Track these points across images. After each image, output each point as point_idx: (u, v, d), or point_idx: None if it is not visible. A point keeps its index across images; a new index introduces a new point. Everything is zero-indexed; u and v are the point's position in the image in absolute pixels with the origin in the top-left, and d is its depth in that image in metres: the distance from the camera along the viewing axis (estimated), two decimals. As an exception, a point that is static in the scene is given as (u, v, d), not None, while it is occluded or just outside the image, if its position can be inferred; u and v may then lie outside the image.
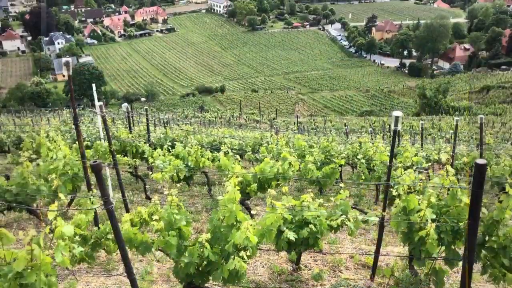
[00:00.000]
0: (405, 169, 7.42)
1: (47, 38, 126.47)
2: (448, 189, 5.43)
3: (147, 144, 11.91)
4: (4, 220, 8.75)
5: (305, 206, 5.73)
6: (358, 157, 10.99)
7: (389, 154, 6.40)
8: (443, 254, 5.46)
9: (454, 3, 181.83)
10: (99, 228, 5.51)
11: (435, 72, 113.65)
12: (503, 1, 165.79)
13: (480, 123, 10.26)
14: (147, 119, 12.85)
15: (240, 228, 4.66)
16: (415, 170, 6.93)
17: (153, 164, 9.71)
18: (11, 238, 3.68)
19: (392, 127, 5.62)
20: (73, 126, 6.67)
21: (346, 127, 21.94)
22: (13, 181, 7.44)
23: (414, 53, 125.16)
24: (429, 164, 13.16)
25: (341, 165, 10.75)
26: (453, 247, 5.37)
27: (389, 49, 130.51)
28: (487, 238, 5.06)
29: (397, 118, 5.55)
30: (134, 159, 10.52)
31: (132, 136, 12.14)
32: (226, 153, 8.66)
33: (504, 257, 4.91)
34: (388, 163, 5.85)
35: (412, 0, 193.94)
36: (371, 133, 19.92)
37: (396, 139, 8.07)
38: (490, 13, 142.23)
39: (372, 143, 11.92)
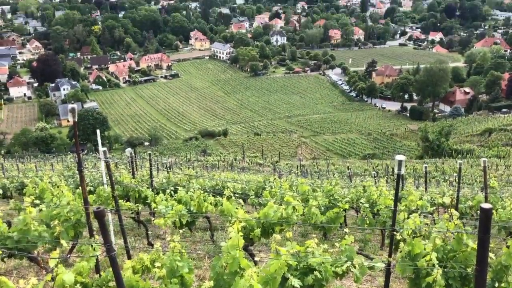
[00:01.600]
0: (409, 214, 7.35)
1: (53, 84, 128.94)
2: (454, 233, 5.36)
3: (150, 189, 11.89)
4: (4, 268, 8.61)
5: (309, 252, 5.64)
6: (362, 201, 10.91)
7: (393, 198, 6.36)
8: (452, 302, 5.31)
9: (452, 48, 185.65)
10: (100, 275, 5.42)
11: (436, 115, 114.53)
12: (500, 46, 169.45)
13: (483, 166, 10.23)
14: (150, 164, 12.87)
15: (244, 275, 4.58)
16: (420, 215, 6.87)
17: (155, 209, 9.66)
18: (11, 286, 3.62)
19: (396, 171, 5.62)
20: (77, 172, 6.69)
21: (349, 171, 21.87)
22: (15, 228, 7.38)
23: (415, 97, 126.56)
24: (434, 208, 13.04)
25: (345, 210, 10.65)
26: (462, 294, 5.24)
27: (389, 93, 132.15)
28: (496, 284, 4.95)
29: (400, 162, 5.56)
30: (136, 204, 10.47)
31: (135, 181, 12.13)
32: (229, 198, 8.62)
33: (515, 304, 4.79)
34: (392, 207, 5.81)
35: (411, 46, 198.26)
36: (374, 177, 19.85)
37: (400, 183, 8.04)
38: (488, 57, 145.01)
39: (376, 187, 11.87)
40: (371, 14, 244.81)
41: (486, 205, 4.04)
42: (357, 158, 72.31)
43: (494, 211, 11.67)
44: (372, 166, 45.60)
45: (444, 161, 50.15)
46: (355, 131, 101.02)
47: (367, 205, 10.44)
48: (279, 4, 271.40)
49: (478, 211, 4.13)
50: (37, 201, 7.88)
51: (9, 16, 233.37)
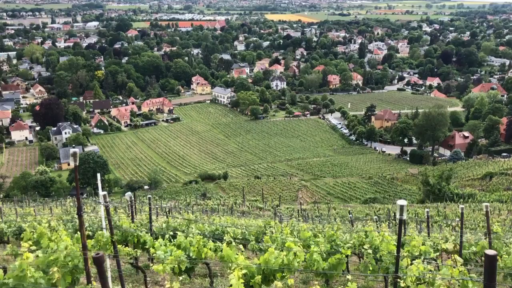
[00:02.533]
0: (413, 259, 7.23)
1: (55, 128, 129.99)
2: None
3: (149, 234, 11.74)
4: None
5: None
6: (364, 246, 10.75)
7: (396, 243, 6.28)
8: None
9: (450, 93, 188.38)
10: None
11: (436, 159, 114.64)
12: (497, 91, 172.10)
13: (486, 211, 10.16)
14: (150, 208, 12.78)
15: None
16: (423, 261, 6.76)
17: (154, 255, 9.51)
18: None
19: (398, 216, 5.58)
20: (76, 216, 6.64)
21: (350, 215, 21.68)
22: (10, 274, 7.24)
23: (415, 141, 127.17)
24: (437, 253, 12.82)
25: (347, 255, 10.48)
26: None
27: (389, 136, 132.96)
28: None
29: (402, 207, 5.53)
30: (135, 250, 10.31)
31: (134, 226, 12.01)
32: (229, 243, 8.50)
33: None
34: (395, 253, 5.72)
35: (409, 91, 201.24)
36: (376, 221, 19.65)
37: (402, 228, 7.95)
38: (485, 102, 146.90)
39: (378, 232, 11.72)
40: (369, 60, 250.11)
41: (491, 252, 3.99)
42: (358, 202, 71.76)
43: (498, 257, 11.48)
44: (374, 210, 45.21)
45: (445, 205, 49.76)
46: (356, 174, 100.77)
47: (369, 251, 10.28)
48: (279, 51, 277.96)
49: (483, 257, 4.06)
50: (34, 247, 7.78)
51: (14, 61, 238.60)
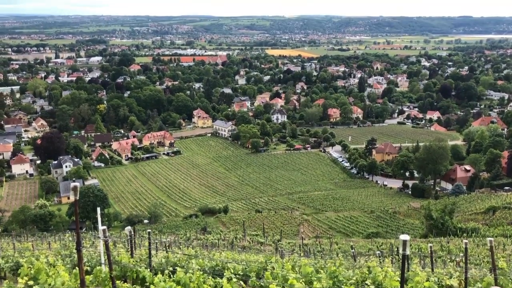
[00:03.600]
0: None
1: (55, 162, 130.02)
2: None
3: (148, 269, 11.55)
4: None
5: None
6: (367, 282, 10.55)
7: (399, 279, 6.16)
8: None
9: (450, 127, 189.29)
10: None
11: (438, 193, 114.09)
12: (497, 124, 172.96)
13: (490, 246, 10.02)
14: (149, 243, 12.61)
15: None
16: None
17: (153, 291, 9.31)
18: None
19: (401, 251, 5.49)
20: (75, 251, 6.55)
21: (353, 250, 21.38)
22: (6, 311, 7.09)
23: (416, 174, 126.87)
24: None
25: (350, 292, 10.27)
26: None
27: (390, 170, 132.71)
28: None
29: (405, 242, 5.45)
30: (134, 286, 10.11)
31: (133, 261, 11.82)
32: (229, 280, 8.35)
33: None
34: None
35: (409, 124, 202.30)
36: (379, 256, 19.36)
37: (406, 263, 7.81)
38: (486, 135, 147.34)
39: (381, 268, 11.53)
40: (368, 94, 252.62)
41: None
42: (360, 237, 70.96)
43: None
44: (376, 245, 44.63)
45: (449, 240, 49.11)
46: (358, 208, 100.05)
47: (372, 287, 10.09)
48: (279, 85, 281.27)
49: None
50: (32, 282, 7.65)
51: (18, 95, 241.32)
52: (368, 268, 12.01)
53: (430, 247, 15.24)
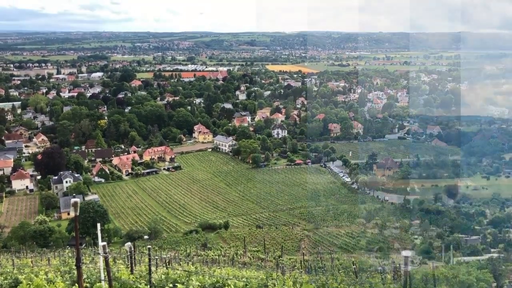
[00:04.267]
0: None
1: (56, 177, 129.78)
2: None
3: (148, 286, 11.46)
4: None
5: None
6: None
7: (402, 297, 6.11)
8: None
9: (450, 142, 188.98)
10: None
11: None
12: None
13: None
14: (149, 259, 12.53)
15: None
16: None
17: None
18: None
19: (403, 268, 5.46)
20: (74, 267, 6.51)
21: (354, 266, 21.21)
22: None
23: (417, 189, 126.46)
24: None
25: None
26: None
27: (391, 185, 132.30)
28: None
29: (406, 258, 5.42)
30: (133, 303, 10.02)
31: (133, 277, 11.73)
32: (230, 296, 8.28)
33: None
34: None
35: (410, 139, 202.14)
36: (381, 273, 19.21)
37: (408, 280, 7.74)
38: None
39: (383, 284, 11.44)
40: (369, 109, 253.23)
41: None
42: (362, 253, 70.50)
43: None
44: (378, 261, 44.29)
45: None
46: (359, 223, 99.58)
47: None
48: (279, 100, 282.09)
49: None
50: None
51: (19, 111, 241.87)
52: (370, 284, 11.93)
53: (433, 263, 15.12)
